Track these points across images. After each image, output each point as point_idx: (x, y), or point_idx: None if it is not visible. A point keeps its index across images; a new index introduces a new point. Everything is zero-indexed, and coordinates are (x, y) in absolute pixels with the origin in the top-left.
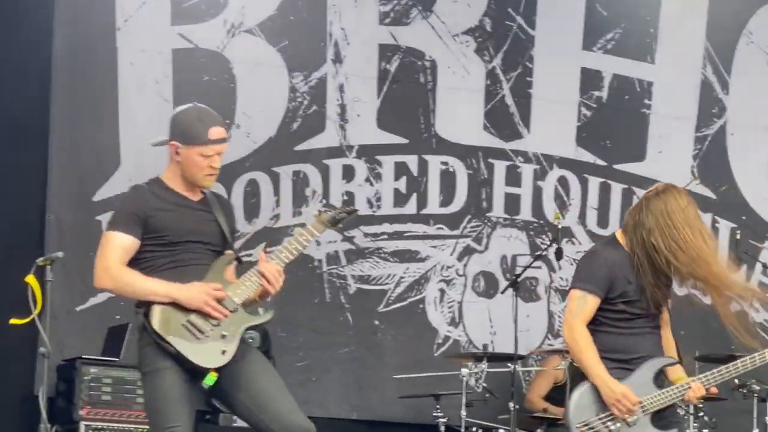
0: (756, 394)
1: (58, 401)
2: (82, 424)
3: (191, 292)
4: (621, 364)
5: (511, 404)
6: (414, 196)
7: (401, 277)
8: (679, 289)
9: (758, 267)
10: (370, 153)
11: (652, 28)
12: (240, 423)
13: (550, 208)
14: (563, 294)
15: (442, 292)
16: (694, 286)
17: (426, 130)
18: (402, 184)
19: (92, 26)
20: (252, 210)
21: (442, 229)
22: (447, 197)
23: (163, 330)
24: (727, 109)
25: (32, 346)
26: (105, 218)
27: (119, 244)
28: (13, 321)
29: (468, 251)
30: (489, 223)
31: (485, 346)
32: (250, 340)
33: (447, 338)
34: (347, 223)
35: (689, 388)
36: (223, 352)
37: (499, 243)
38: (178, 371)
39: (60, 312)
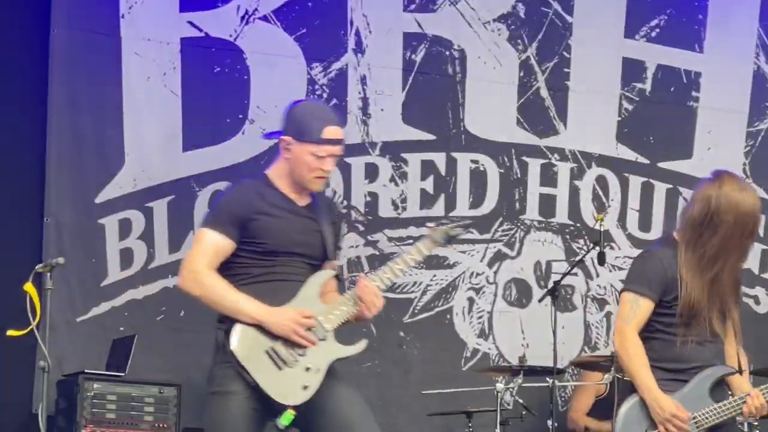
0: None
1: (58, 420)
2: None
3: (280, 318)
4: (675, 374)
5: (550, 422)
6: (442, 197)
7: (428, 285)
8: None
9: None
10: (394, 150)
11: (700, 14)
12: None
13: (587, 210)
14: (600, 303)
15: (471, 301)
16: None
17: (454, 125)
18: (429, 184)
19: (94, 14)
20: None
21: (471, 232)
22: (477, 198)
23: (242, 355)
24: None
25: (30, 359)
26: (108, 222)
27: (212, 245)
28: (10, 333)
29: (499, 257)
30: (522, 227)
31: (521, 359)
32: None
33: (476, 351)
34: (370, 226)
35: (744, 402)
36: (305, 387)
37: (533, 248)
38: (248, 398)
39: (59, 323)
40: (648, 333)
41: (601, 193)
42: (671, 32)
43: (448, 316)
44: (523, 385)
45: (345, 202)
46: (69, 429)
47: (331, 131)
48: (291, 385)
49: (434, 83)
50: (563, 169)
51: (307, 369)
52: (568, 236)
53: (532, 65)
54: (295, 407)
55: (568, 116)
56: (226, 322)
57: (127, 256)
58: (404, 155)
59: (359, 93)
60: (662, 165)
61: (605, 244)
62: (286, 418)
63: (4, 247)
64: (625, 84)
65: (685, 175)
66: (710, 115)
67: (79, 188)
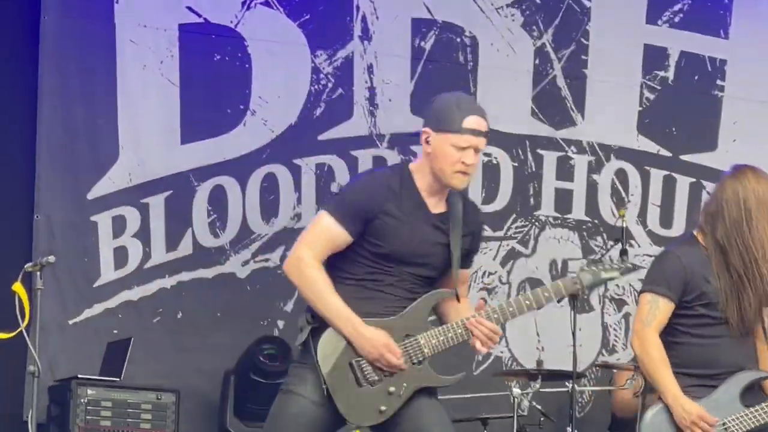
0: None
1: (50, 427)
2: None
3: (368, 343)
4: (703, 380)
5: (569, 429)
6: None
7: None
8: None
9: None
10: (403, 143)
11: None
12: None
13: (606, 206)
14: (619, 304)
15: (484, 301)
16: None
17: None
18: None
19: None
20: (270, 208)
21: (484, 229)
22: (490, 193)
23: (325, 362)
24: None
25: (20, 363)
26: (101, 219)
27: (327, 234)
28: None
29: (513, 255)
30: (537, 223)
31: (539, 363)
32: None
33: (488, 355)
34: None
35: None
36: (381, 411)
37: (548, 245)
38: (314, 404)
39: (51, 325)
40: (671, 337)
41: (620, 187)
42: (695, 17)
43: None
44: (542, 390)
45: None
46: None
47: (473, 121)
48: (367, 406)
49: (444, 72)
50: (580, 163)
51: (390, 392)
52: (585, 233)
53: (548, 52)
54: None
55: (585, 106)
56: (318, 320)
57: (121, 255)
58: (413, 148)
59: (366, 82)
60: (685, 158)
61: (615, 241)
62: None
63: None
64: (646, 72)
65: (709, 168)
66: (736, 105)
67: (71, 183)
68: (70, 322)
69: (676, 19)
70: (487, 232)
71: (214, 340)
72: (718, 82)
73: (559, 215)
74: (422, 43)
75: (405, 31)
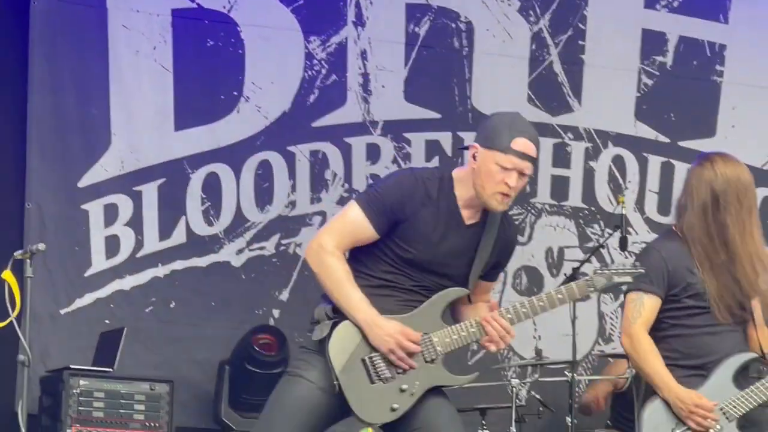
0: None
1: (42, 419)
2: None
3: (382, 332)
4: (695, 370)
5: (569, 419)
6: None
7: None
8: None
9: None
10: (397, 130)
11: None
12: None
13: (603, 193)
14: (615, 292)
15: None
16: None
17: (461, 103)
18: (434, 165)
19: None
20: (264, 196)
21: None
22: None
23: (337, 358)
24: None
25: (11, 354)
26: (92, 207)
27: (353, 225)
28: None
29: None
30: (533, 211)
31: (538, 352)
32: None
33: None
34: None
35: None
36: (393, 409)
37: (545, 233)
38: (320, 389)
39: (42, 316)
40: (661, 332)
41: (617, 174)
42: (694, 2)
43: None
44: (540, 379)
45: (346, 185)
46: (53, 428)
47: (522, 143)
48: (379, 403)
49: (439, 58)
50: (577, 149)
51: (402, 390)
52: (582, 220)
53: (545, 38)
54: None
55: (583, 92)
56: (339, 314)
57: (112, 244)
58: (407, 135)
59: (359, 69)
60: (683, 144)
61: (614, 228)
62: None
63: None
64: (644, 57)
65: None
66: (735, 91)
67: (62, 171)
68: (62, 312)
69: (675, 4)
70: None
71: (208, 329)
72: (717, 67)
73: (556, 203)
74: (417, 29)
75: (399, 17)
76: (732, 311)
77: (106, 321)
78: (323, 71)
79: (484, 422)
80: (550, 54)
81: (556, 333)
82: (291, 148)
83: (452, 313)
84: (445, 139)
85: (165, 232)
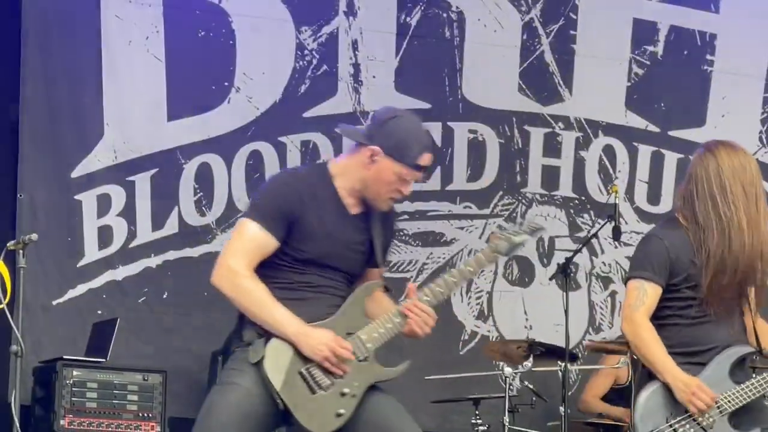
0: None
1: (35, 409)
2: None
3: (316, 342)
4: (690, 358)
5: (562, 408)
6: (438, 170)
7: (424, 264)
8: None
9: None
10: None
11: None
12: None
13: (593, 183)
14: (605, 282)
15: (469, 280)
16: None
17: (452, 93)
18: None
19: None
20: (256, 186)
21: (469, 207)
22: (475, 171)
23: (275, 376)
24: None
25: (3, 345)
26: (85, 198)
27: (255, 241)
28: None
29: None
30: (524, 201)
31: (531, 342)
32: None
33: (474, 334)
34: None
35: None
36: (339, 414)
37: None
38: (254, 395)
39: (35, 306)
40: (660, 320)
41: (607, 163)
42: None
43: None
44: (534, 369)
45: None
46: (47, 419)
47: (427, 159)
48: (324, 412)
49: (430, 48)
50: (568, 139)
51: (343, 394)
52: (572, 210)
53: (536, 28)
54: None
55: (573, 82)
56: (266, 335)
57: (105, 235)
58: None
59: (350, 59)
60: (673, 133)
61: (611, 218)
62: None
63: None
64: (635, 47)
65: (698, 144)
66: (725, 80)
67: (55, 162)
68: (54, 302)
69: None
70: (473, 209)
71: (200, 320)
72: (708, 56)
73: (546, 192)
74: (408, 19)
75: (391, 7)
76: (727, 303)
77: (99, 311)
78: (314, 61)
79: (477, 412)
80: (541, 44)
81: (548, 323)
82: (282, 139)
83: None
84: (435, 129)
85: (158, 223)
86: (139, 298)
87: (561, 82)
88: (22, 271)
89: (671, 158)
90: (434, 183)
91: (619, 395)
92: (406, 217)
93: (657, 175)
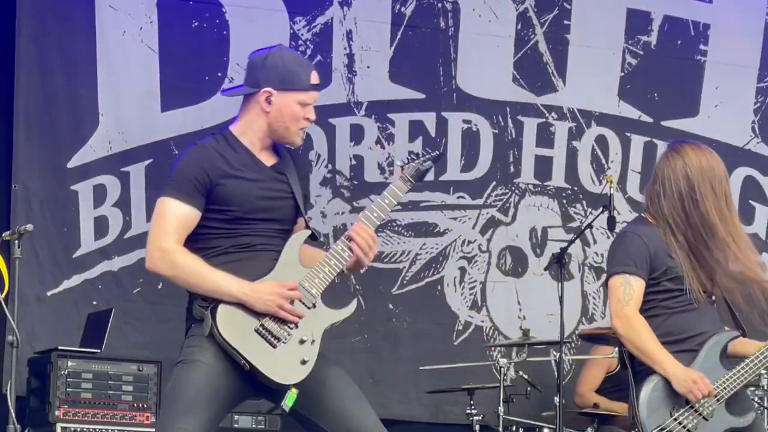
0: None
1: (30, 400)
2: (59, 427)
3: (263, 295)
4: (678, 346)
5: (557, 399)
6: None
7: (417, 254)
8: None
9: None
10: (381, 110)
11: None
12: (241, 425)
13: (586, 173)
14: (597, 272)
15: (463, 270)
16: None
17: (446, 83)
18: (417, 146)
19: None
20: None
21: (463, 198)
22: (469, 161)
23: (233, 338)
24: None
25: None
26: (82, 188)
27: (177, 217)
28: None
29: (492, 223)
30: (517, 191)
31: (526, 332)
32: None
33: (468, 324)
34: (355, 191)
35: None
36: (304, 361)
37: (528, 213)
38: (218, 371)
39: (29, 297)
40: (644, 314)
41: (600, 154)
42: None
43: (439, 287)
44: (529, 359)
45: (330, 166)
46: (42, 410)
47: (315, 76)
48: (289, 363)
49: (425, 38)
50: (561, 129)
51: (302, 341)
52: (564, 200)
53: (531, 18)
54: (295, 386)
55: (567, 72)
56: (209, 301)
57: (101, 225)
58: (391, 116)
59: (345, 49)
60: (666, 123)
61: (603, 208)
62: (290, 399)
63: None
64: (629, 37)
65: (691, 134)
66: (718, 70)
67: (51, 152)
68: (49, 293)
69: None
70: (466, 200)
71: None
72: (701, 46)
73: (539, 183)
74: (403, 9)
75: None
76: (708, 293)
77: (95, 302)
78: (308, 52)
79: (472, 402)
80: (535, 34)
81: (541, 313)
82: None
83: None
84: (429, 119)
85: (152, 213)
86: (134, 289)
87: (554, 72)
88: (17, 262)
89: (664, 148)
90: (428, 174)
91: (614, 385)
92: (399, 207)
93: (650, 166)
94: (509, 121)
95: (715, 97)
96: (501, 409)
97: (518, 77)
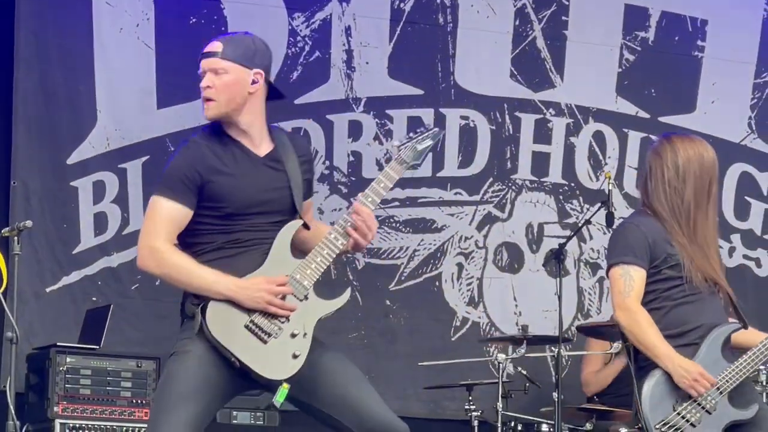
0: None
1: (28, 396)
2: (58, 423)
3: (252, 291)
4: (678, 339)
5: (555, 394)
6: (429, 156)
7: (415, 250)
8: (729, 260)
9: None
10: (379, 106)
11: None
12: (240, 421)
13: (583, 169)
14: (593, 268)
15: (460, 266)
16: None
17: (444, 79)
18: None
19: None
20: None
21: (460, 194)
22: (466, 157)
23: (223, 336)
24: None
25: None
26: (81, 184)
27: (168, 215)
28: None
29: (489, 219)
30: (514, 187)
31: (524, 328)
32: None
33: (465, 320)
34: (353, 188)
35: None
36: (295, 356)
37: (525, 209)
38: (209, 363)
39: (28, 293)
40: (646, 305)
41: (597, 150)
42: None
43: (437, 283)
44: (527, 355)
45: (327, 163)
46: (40, 406)
47: (207, 45)
48: (280, 357)
49: (424, 34)
50: (558, 125)
51: (293, 335)
52: (561, 197)
53: (529, 14)
54: (288, 380)
55: (565, 68)
56: (199, 299)
57: (101, 221)
58: (389, 112)
59: (343, 45)
60: (663, 119)
61: (599, 204)
62: (281, 395)
63: None
64: (626, 33)
65: (688, 130)
66: (716, 66)
67: (50, 149)
68: (47, 290)
69: None
70: (463, 196)
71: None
72: (699, 42)
73: (536, 179)
74: (401, 5)
75: None
76: (707, 283)
77: (94, 298)
78: (307, 48)
79: (470, 398)
80: (533, 30)
81: (538, 309)
82: (274, 126)
83: (297, 246)
84: (427, 115)
85: None
86: (133, 285)
87: (552, 68)
88: (16, 258)
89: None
90: (425, 169)
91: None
92: (396, 203)
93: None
94: (507, 117)
95: (712, 93)
96: (499, 404)
97: (516, 73)
